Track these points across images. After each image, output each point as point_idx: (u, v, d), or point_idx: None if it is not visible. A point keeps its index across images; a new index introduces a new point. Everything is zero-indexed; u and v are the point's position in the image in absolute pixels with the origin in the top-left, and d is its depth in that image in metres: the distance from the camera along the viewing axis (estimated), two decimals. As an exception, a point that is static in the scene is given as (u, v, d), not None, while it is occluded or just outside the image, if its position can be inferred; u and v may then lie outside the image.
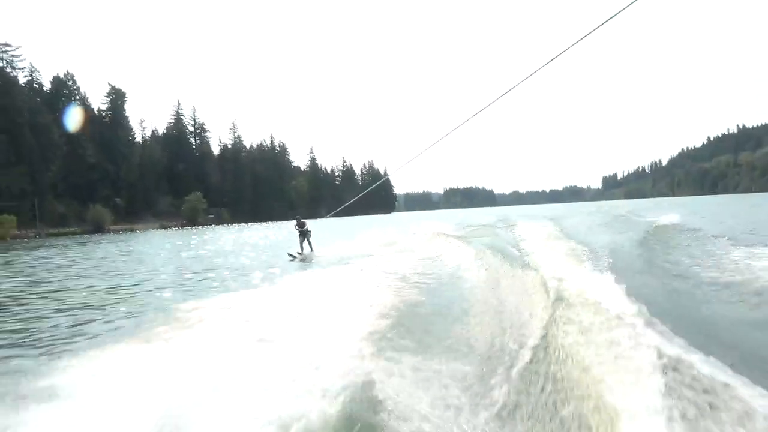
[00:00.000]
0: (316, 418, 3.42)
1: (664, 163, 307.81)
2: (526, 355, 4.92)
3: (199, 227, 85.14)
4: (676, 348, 4.37)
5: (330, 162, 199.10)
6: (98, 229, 73.74)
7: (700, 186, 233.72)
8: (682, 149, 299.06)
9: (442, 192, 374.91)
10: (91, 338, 7.52)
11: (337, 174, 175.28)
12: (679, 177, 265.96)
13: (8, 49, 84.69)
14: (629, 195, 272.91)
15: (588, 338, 4.99)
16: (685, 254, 12.40)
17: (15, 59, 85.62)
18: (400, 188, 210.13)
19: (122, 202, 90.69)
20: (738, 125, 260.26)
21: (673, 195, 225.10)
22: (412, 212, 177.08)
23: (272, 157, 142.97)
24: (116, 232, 72.76)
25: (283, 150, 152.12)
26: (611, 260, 10.86)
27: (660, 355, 4.18)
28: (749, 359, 4.60)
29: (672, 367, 4.01)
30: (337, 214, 23.82)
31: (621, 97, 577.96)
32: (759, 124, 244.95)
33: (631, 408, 3.61)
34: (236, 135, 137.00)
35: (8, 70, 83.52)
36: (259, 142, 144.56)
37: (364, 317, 6.26)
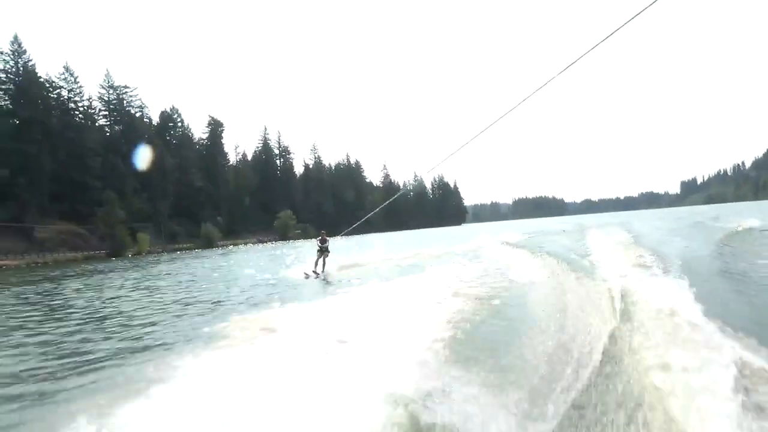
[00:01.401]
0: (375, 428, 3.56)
1: (748, 165, 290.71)
2: (589, 370, 4.78)
3: (290, 241, 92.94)
4: (753, 357, 4.36)
5: (402, 177, 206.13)
6: (209, 244, 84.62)
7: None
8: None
9: (510, 202, 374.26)
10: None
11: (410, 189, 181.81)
12: (765, 179, 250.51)
13: (127, 90, 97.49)
14: (710, 200, 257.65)
15: (658, 352, 4.84)
16: (763, 259, 12.26)
17: (132, 99, 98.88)
18: (468, 200, 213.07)
19: (223, 220, 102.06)
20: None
21: (758, 199, 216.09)
22: (482, 223, 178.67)
23: (349, 175, 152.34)
24: (224, 246, 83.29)
25: (358, 167, 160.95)
26: (684, 268, 10.67)
27: (738, 367, 4.18)
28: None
29: (749, 378, 3.99)
30: (351, 233, 23.09)
31: (701, 95, 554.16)
32: None
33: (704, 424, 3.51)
34: (317, 155, 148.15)
35: (128, 108, 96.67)
36: (337, 161, 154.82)
37: (428, 326, 6.48)
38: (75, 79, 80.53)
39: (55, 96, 78.60)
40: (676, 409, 3.75)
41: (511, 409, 4.08)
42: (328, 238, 19.21)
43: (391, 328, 6.67)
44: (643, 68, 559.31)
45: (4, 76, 72.17)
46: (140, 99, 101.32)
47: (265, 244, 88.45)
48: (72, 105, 79.86)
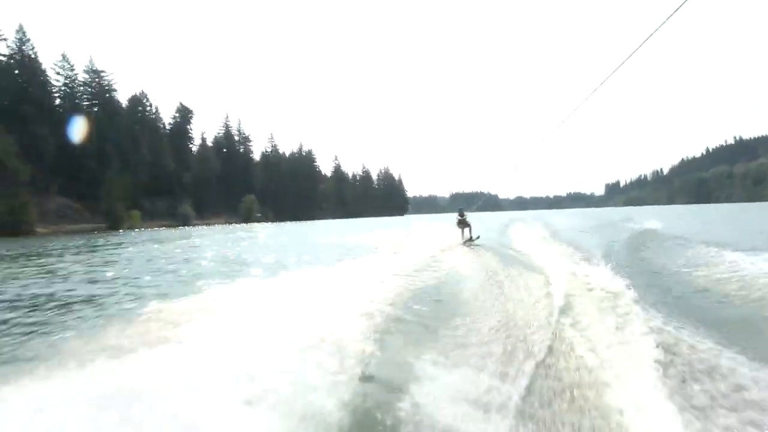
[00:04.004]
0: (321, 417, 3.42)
1: (666, 172, 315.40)
2: (537, 354, 4.99)
3: (256, 223, 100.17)
4: (671, 331, 5.11)
5: (350, 167, 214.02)
6: (185, 222, 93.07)
7: (696, 195, 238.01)
8: (683, 159, 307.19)
9: (447, 196, 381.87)
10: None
11: (357, 179, 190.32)
12: (677, 186, 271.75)
13: (104, 74, 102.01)
14: (629, 202, 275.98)
15: (593, 333, 5.39)
16: (660, 254, 13.68)
17: (109, 83, 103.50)
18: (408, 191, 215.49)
19: (192, 202, 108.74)
20: (735, 137, 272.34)
21: (670, 203, 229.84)
22: (422, 215, 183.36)
23: (304, 163, 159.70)
24: (199, 225, 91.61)
25: (311, 156, 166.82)
26: (602, 259, 11.43)
27: (659, 342, 4.74)
28: (729, 335, 5.22)
29: (671, 351, 4.56)
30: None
31: (627, 105, 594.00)
32: (755, 137, 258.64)
33: (636, 395, 3.85)
34: (273, 144, 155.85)
35: (107, 94, 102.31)
36: (292, 150, 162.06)
37: (364, 320, 6.00)
38: (72, 66, 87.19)
39: (57, 81, 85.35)
40: (614, 384, 4.10)
41: (469, 389, 4.21)
42: (467, 213, 20.98)
43: (318, 319, 6.00)
44: (578, 77, 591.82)
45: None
46: (111, 84, 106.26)
47: (233, 225, 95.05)
48: (67, 90, 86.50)
